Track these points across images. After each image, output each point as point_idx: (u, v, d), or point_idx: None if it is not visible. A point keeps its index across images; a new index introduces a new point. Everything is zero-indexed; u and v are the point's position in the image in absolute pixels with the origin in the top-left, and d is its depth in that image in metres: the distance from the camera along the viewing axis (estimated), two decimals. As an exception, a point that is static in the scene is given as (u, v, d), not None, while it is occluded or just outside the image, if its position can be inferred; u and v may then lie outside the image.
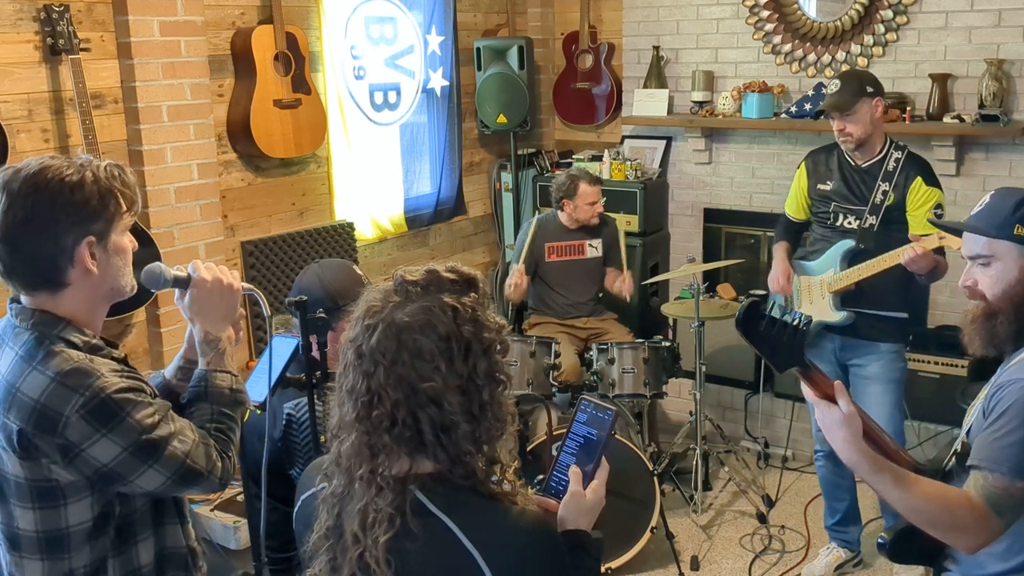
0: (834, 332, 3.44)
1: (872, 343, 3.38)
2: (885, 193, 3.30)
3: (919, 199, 3.26)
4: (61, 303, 1.64)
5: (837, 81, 3.32)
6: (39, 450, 1.56)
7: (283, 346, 2.14)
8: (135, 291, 1.74)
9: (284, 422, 2.25)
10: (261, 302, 1.88)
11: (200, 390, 1.75)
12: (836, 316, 3.38)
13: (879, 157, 3.34)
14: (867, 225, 3.33)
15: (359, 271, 2.51)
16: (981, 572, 1.84)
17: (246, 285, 1.84)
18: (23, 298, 1.66)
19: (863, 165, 3.36)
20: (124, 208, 1.65)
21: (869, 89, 3.27)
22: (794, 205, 3.62)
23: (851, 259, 3.36)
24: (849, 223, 3.38)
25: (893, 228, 3.30)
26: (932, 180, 3.30)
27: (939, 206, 3.25)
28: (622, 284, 4.38)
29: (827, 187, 3.44)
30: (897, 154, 3.32)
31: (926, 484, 1.74)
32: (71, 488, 1.59)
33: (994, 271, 1.86)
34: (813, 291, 3.47)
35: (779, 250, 3.64)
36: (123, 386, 1.58)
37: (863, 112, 3.25)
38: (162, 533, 1.74)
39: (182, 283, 1.77)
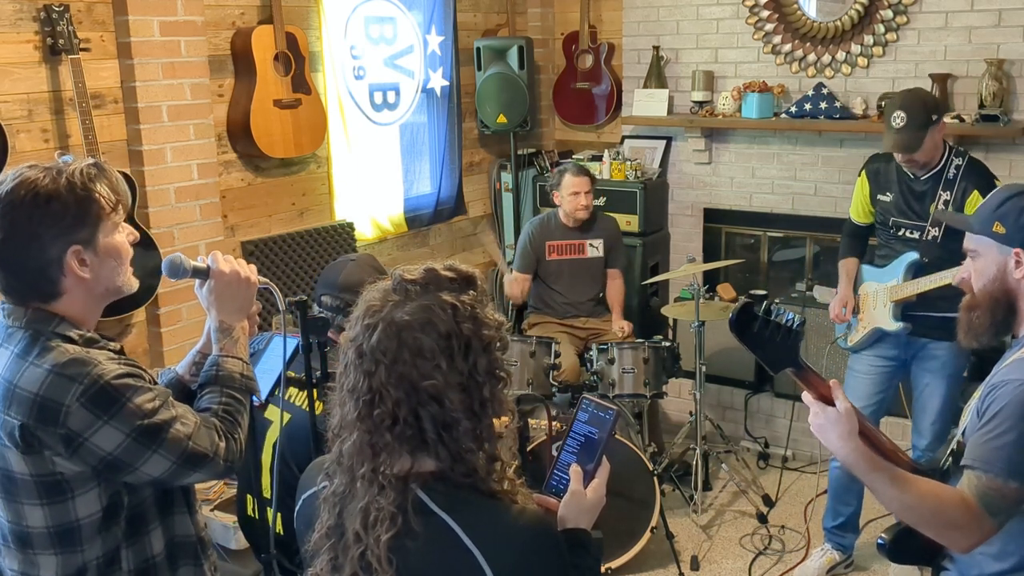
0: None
1: (938, 341, 3.37)
2: (947, 202, 3.24)
3: None
4: (55, 306, 1.65)
5: (902, 114, 3.15)
6: (42, 443, 1.56)
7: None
8: (134, 290, 1.75)
9: None
10: (277, 296, 1.94)
11: (211, 373, 1.79)
12: (893, 326, 3.40)
13: (938, 168, 3.28)
14: (929, 238, 3.30)
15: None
16: (978, 572, 1.84)
17: (262, 279, 1.90)
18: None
19: (921, 177, 3.31)
20: (107, 209, 1.65)
21: (934, 117, 3.18)
22: (857, 210, 3.60)
23: (915, 271, 3.35)
24: (911, 233, 3.36)
25: (960, 239, 3.24)
26: (990, 191, 3.25)
27: None
28: (621, 330, 4.43)
29: (887, 198, 3.42)
30: (957, 160, 3.27)
31: (921, 483, 1.74)
32: (77, 480, 1.60)
33: (978, 266, 1.89)
34: (878, 297, 3.48)
35: (844, 271, 3.60)
36: (121, 372, 1.60)
37: (929, 143, 3.19)
38: (170, 523, 1.76)
39: (201, 274, 1.83)
